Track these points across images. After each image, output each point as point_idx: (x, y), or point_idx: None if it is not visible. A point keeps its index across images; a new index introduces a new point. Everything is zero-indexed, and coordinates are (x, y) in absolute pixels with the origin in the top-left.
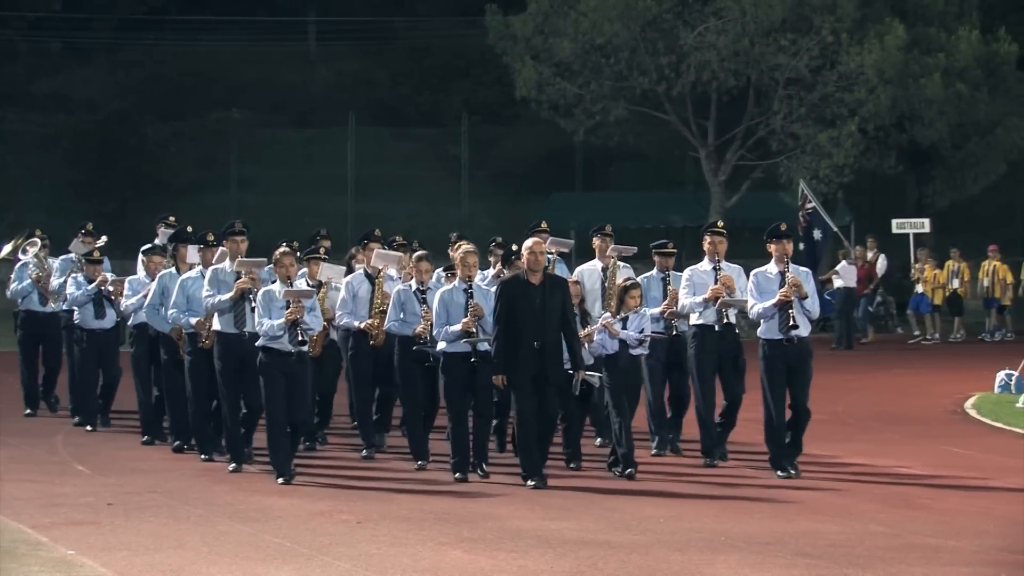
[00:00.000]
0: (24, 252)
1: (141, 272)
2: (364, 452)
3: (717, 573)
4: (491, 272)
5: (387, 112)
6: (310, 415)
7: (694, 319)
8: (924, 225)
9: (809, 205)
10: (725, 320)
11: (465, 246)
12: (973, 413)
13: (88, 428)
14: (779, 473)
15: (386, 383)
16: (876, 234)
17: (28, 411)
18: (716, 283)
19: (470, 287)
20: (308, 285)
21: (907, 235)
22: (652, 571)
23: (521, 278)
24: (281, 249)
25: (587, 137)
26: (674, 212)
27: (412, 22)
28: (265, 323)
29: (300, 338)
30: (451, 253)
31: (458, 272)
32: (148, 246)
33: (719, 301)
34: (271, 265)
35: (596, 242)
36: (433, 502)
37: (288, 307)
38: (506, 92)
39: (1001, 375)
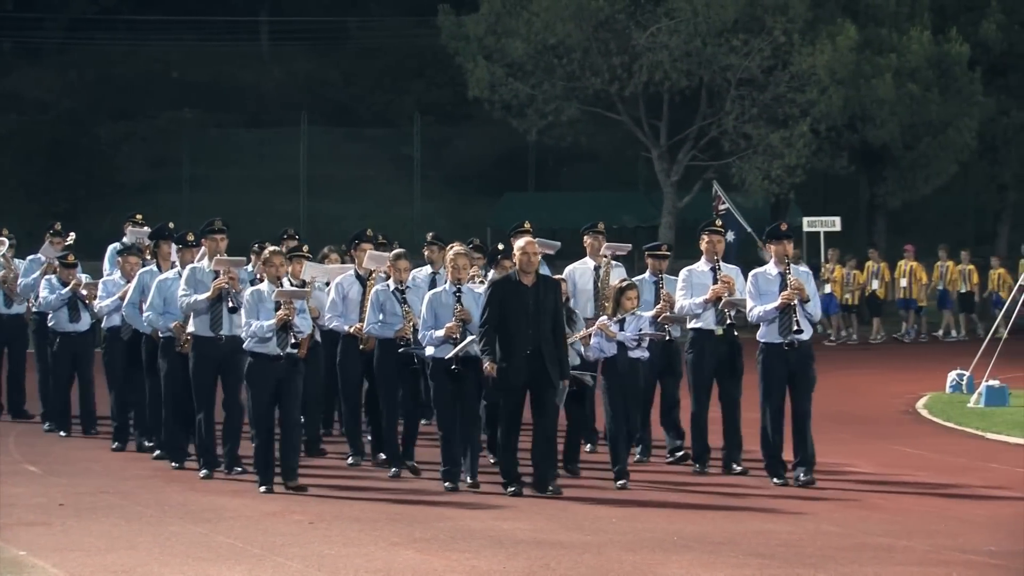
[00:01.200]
0: None
1: (115, 273)
2: (350, 459)
3: (670, 573)
4: (427, 270)
5: (339, 112)
6: (318, 418)
7: (692, 323)
8: (835, 224)
9: (723, 206)
10: (728, 321)
11: (456, 247)
12: (925, 413)
13: (62, 434)
14: (775, 480)
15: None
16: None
17: None
18: (716, 283)
19: (459, 290)
20: (291, 284)
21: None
22: (605, 571)
23: (513, 279)
24: (271, 248)
25: (540, 137)
26: (626, 212)
27: (365, 22)
28: (253, 324)
29: (292, 340)
30: (426, 253)
31: (447, 275)
32: (120, 246)
33: (721, 302)
34: (249, 265)
35: (588, 240)
36: (386, 503)
37: (278, 308)
38: (459, 92)
39: (953, 375)
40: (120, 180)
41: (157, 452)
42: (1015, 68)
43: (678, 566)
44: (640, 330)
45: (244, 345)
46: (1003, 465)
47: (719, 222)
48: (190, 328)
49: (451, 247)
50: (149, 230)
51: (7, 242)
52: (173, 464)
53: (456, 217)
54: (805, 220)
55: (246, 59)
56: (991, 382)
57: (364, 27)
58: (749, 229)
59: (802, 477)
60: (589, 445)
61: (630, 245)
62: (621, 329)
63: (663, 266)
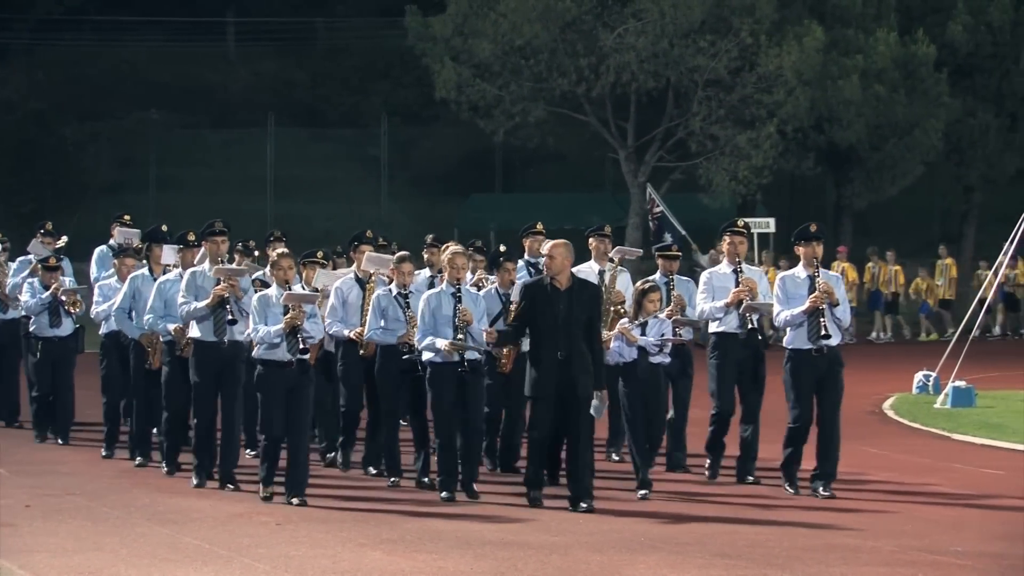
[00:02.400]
0: None
1: (113, 277)
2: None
3: (636, 573)
4: (426, 273)
5: (306, 113)
6: (335, 429)
7: (714, 327)
8: (769, 225)
9: (657, 209)
10: (750, 325)
11: (453, 247)
12: (891, 414)
13: (37, 441)
14: (789, 489)
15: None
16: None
17: None
18: (737, 286)
19: (458, 291)
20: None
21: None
22: (571, 572)
23: (546, 281)
24: (280, 250)
25: (506, 138)
26: (593, 213)
27: (331, 23)
28: (261, 330)
29: (300, 346)
30: (425, 256)
31: (445, 275)
32: (107, 248)
33: (742, 305)
34: (251, 273)
35: (593, 243)
36: (353, 504)
37: (287, 312)
38: (425, 93)
39: (919, 376)
40: (87, 181)
41: (139, 460)
42: (981, 69)
43: (645, 567)
44: (663, 334)
45: (253, 353)
46: (969, 466)
47: (741, 222)
48: (192, 332)
49: (447, 246)
50: (139, 231)
51: None
52: (165, 470)
53: (423, 218)
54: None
55: (213, 60)
56: (958, 383)
57: (331, 28)
58: (683, 232)
59: (822, 491)
60: (613, 454)
61: (641, 251)
62: (642, 333)
63: (674, 267)
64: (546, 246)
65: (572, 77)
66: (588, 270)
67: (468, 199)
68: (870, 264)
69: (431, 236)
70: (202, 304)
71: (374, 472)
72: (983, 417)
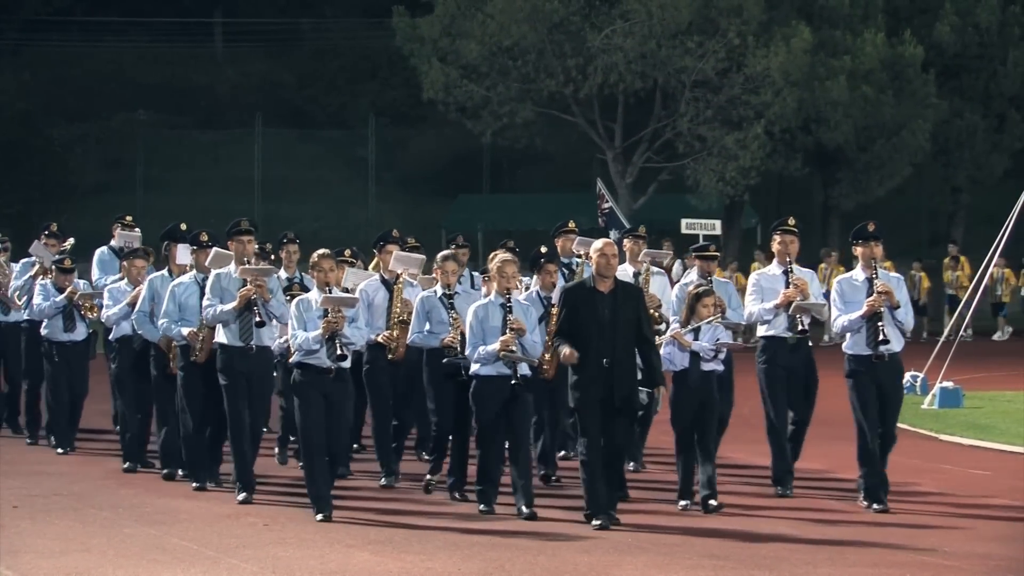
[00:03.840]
0: None
1: (123, 280)
2: (383, 480)
3: (624, 574)
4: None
5: (294, 114)
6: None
7: (762, 330)
8: (715, 227)
9: (606, 205)
10: (800, 328)
11: (502, 254)
12: None
13: (59, 451)
14: (875, 506)
15: (401, 409)
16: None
17: None
18: (788, 287)
19: (509, 301)
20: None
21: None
22: (559, 572)
23: (587, 285)
24: (320, 251)
25: (494, 139)
26: (581, 214)
27: (319, 24)
28: (300, 336)
29: (339, 352)
30: (438, 265)
31: (494, 285)
32: (109, 249)
33: (792, 307)
34: (276, 273)
35: (627, 244)
36: (340, 504)
37: (326, 316)
38: (413, 94)
39: (907, 376)
40: (74, 182)
41: (167, 471)
42: (969, 70)
43: (632, 567)
44: (717, 339)
45: (291, 359)
46: (956, 466)
47: (792, 220)
48: (219, 337)
49: (495, 254)
50: (139, 234)
51: None
52: (194, 485)
53: (410, 219)
54: (684, 222)
55: (200, 61)
56: (945, 384)
57: (318, 29)
58: (628, 227)
59: (876, 507)
60: (633, 464)
61: (671, 252)
62: (695, 338)
63: (712, 267)
64: (599, 244)
65: (560, 78)
66: (621, 272)
67: (456, 200)
68: (822, 265)
69: (459, 237)
70: (229, 307)
71: (456, 496)
72: (971, 418)
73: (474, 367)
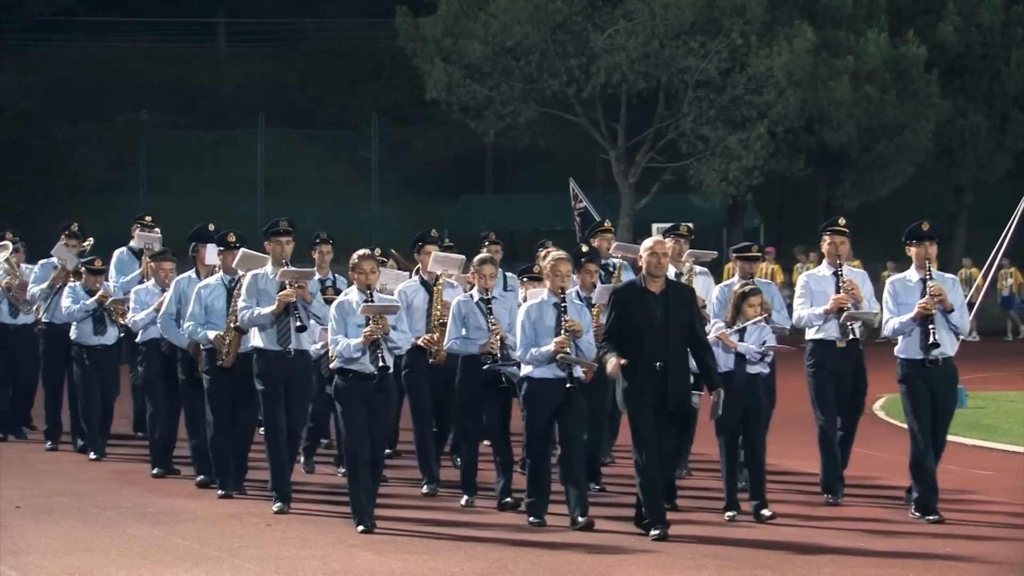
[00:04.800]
0: None
1: (149, 282)
2: (425, 488)
3: (627, 574)
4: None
5: (297, 114)
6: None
7: (811, 333)
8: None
9: (580, 205)
10: (851, 336)
11: (555, 252)
12: (881, 415)
13: (92, 456)
14: (929, 518)
15: (438, 416)
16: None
17: None
18: (838, 291)
19: (563, 301)
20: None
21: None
22: (562, 572)
23: (638, 285)
24: (361, 251)
25: (497, 139)
26: None
27: (322, 24)
28: (340, 342)
29: (382, 364)
30: (475, 269)
31: (547, 284)
32: (127, 250)
33: (843, 314)
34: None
35: (669, 243)
36: (343, 505)
37: (368, 324)
38: (416, 94)
39: None
40: (77, 182)
41: (201, 477)
42: (971, 70)
43: (636, 568)
44: (764, 341)
45: (331, 365)
46: (959, 467)
47: (843, 220)
48: (254, 341)
49: (548, 252)
50: (159, 234)
51: (10, 246)
52: (220, 492)
53: (413, 219)
54: (655, 227)
55: (203, 61)
56: None
57: (321, 29)
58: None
59: (930, 518)
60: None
61: (715, 252)
62: (741, 339)
63: (754, 269)
64: (650, 243)
65: (563, 78)
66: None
67: (459, 200)
68: (798, 265)
69: (492, 234)
70: (267, 310)
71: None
72: (974, 418)
73: (526, 369)
